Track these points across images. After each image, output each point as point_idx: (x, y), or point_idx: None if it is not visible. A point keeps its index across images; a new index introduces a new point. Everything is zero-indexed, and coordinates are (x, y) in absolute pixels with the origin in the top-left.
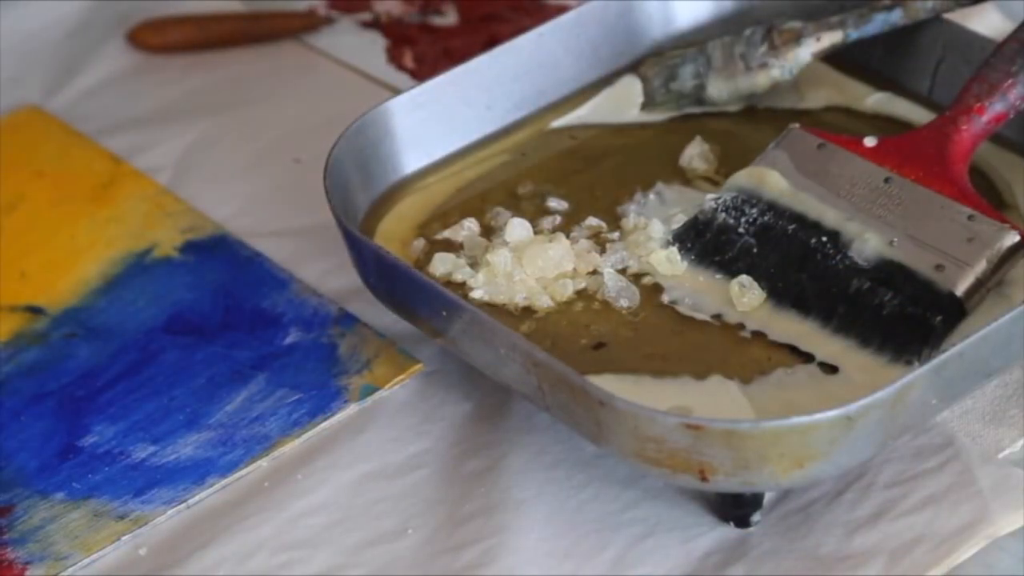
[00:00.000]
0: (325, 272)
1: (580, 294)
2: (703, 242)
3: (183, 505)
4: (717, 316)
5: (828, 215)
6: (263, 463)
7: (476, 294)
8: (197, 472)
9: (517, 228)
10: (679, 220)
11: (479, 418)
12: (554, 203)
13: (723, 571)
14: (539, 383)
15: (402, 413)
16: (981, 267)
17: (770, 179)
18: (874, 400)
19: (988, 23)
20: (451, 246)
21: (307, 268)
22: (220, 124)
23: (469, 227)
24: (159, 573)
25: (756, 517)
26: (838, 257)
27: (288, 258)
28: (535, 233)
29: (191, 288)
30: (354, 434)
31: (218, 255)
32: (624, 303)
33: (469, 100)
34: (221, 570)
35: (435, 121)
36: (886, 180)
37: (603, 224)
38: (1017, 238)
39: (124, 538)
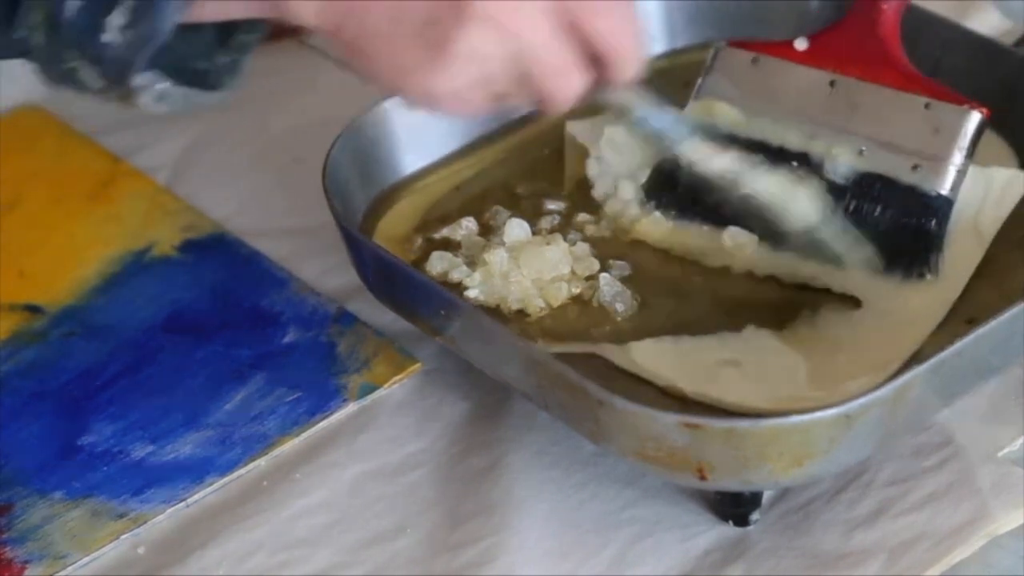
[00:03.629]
0: (324, 271)
1: (575, 299)
2: (677, 195)
3: (182, 504)
4: (726, 268)
5: (790, 137)
6: (262, 462)
7: (471, 294)
8: (196, 471)
9: (515, 229)
10: (644, 173)
11: (478, 417)
12: (552, 204)
13: (722, 570)
14: (538, 382)
15: (401, 412)
16: (957, 158)
17: (719, 110)
18: (873, 398)
19: (988, 23)
20: (449, 245)
21: (306, 267)
22: (219, 123)
23: (467, 226)
24: (158, 572)
25: (755, 516)
26: (815, 181)
27: (287, 257)
28: (534, 233)
29: (190, 287)
30: (353, 433)
31: (217, 254)
32: (620, 308)
33: None
34: (220, 569)
35: (434, 121)
36: (831, 83)
37: (591, 216)
38: (979, 117)
39: (123, 537)
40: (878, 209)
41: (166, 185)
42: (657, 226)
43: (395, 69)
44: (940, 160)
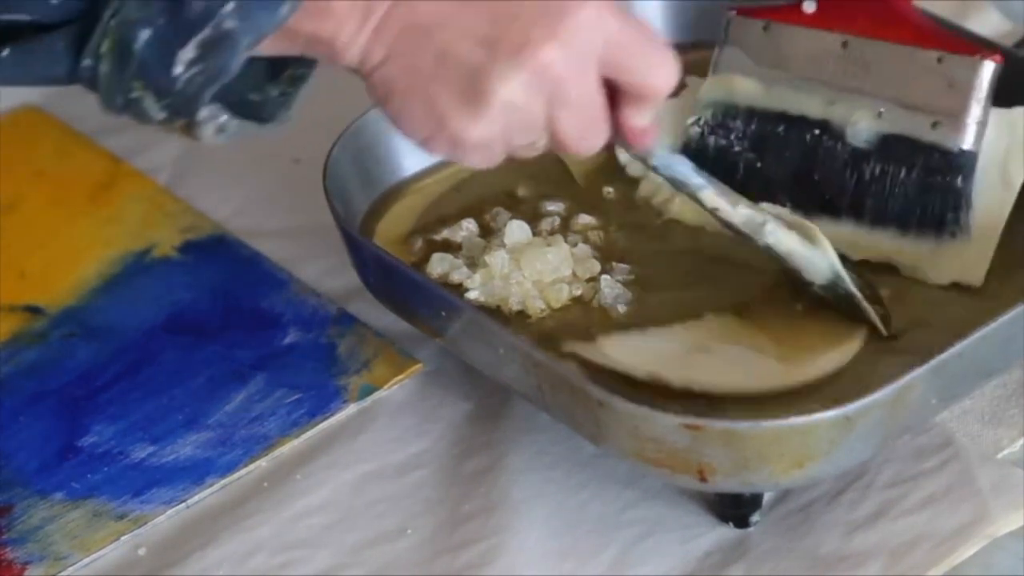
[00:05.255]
0: (324, 272)
1: (576, 301)
2: (707, 172)
3: (182, 505)
4: (730, 258)
5: (810, 105)
6: (262, 463)
7: (471, 295)
8: (196, 472)
9: (516, 230)
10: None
11: (479, 418)
12: (551, 206)
13: (722, 571)
14: (539, 383)
15: (401, 413)
16: (975, 112)
17: (739, 85)
18: (874, 400)
19: (988, 23)
20: (450, 247)
21: (306, 268)
22: None
23: (468, 228)
24: (158, 573)
25: (755, 517)
26: (839, 147)
27: (287, 258)
28: (534, 235)
29: (190, 288)
30: (353, 434)
31: (217, 255)
32: (621, 309)
33: None
34: (220, 570)
35: None
36: (844, 44)
37: (593, 219)
38: (992, 66)
39: (123, 538)
40: (903, 171)
41: (166, 186)
42: (689, 206)
43: (430, 115)
44: (958, 115)
